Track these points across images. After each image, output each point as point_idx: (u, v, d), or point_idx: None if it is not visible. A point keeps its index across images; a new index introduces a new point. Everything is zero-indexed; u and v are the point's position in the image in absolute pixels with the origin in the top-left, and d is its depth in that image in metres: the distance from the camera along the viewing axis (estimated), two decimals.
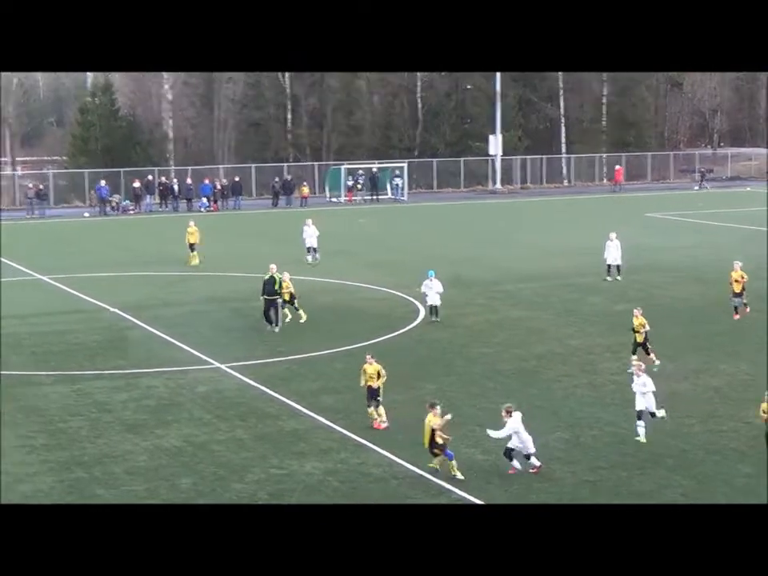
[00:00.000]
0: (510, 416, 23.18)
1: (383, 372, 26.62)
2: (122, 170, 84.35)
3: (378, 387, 26.50)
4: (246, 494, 22.21)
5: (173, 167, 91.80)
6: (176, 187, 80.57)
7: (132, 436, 26.01)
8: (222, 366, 32.22)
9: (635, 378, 25.65)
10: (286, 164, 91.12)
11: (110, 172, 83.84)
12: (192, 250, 51.05)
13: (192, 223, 51.31)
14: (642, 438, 24.98)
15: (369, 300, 42.64)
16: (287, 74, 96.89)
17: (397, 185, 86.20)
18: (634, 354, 30.39)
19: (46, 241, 64.21)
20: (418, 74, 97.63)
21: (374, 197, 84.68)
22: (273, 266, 37.16)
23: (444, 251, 55.48)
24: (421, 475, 23.15)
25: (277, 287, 36.43)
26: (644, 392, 25.25)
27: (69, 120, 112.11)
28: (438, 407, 23.26)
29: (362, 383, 26.81)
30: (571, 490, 22.34)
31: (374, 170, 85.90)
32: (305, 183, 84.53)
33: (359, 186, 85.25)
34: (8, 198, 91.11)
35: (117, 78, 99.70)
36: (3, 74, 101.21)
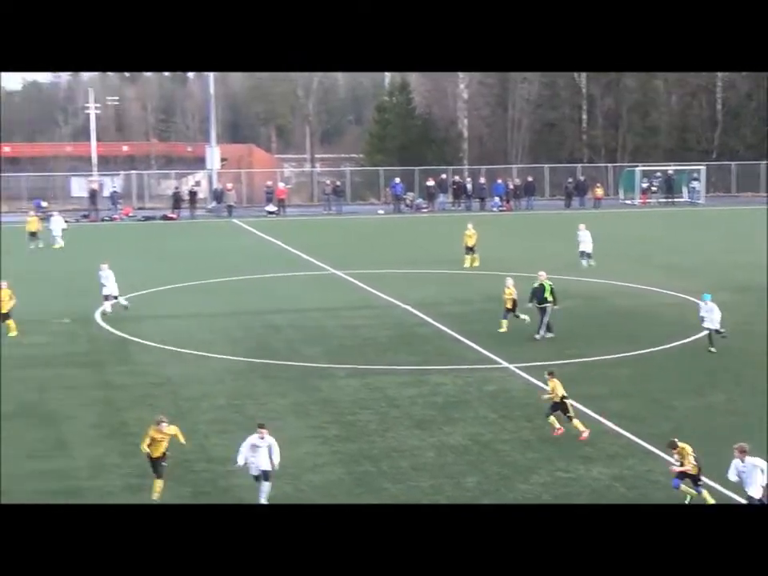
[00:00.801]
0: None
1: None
2: (416, 168, 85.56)
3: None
4: (531, 495, 22.08)
5: (466, 166, 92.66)
6: (469, 186, 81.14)
7: (419, 432, 26.29)
8: (511, 366, 32.20)
9: None
10: (579, 165, 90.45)
11: (404, 170, 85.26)
12: (469, 253, 50.64)
13: (470, 226, 50.92)
14: None
15: (660, 305, 41.78)
16: (584, 74, 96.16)
17: (693, 188, 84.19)
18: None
19: (340, 236, 65.81)
20: (719, 74, 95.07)
21: (669, 200, 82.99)
22: (542, 273, 36.12)
23: (739, 257, 53.78)
24: (711, 486, 22.48)
25: (547, 295, 35.44)
26: None
27: (366, 118, 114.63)
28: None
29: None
30: None
31: (670, 172, 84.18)
32: (598, 184, 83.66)
33: (654, 189, 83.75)
34: (306, 193, 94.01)
35: (413, 78, 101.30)
36: (305, 74, 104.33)
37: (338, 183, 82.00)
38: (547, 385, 26.15)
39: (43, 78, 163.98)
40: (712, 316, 33.60)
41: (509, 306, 36.17)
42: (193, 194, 77.80)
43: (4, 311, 36.41)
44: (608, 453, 24.72)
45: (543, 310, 35.49)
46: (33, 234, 58.76)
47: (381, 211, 79.21)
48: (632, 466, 23.75)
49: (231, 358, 30.07)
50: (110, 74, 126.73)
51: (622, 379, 30.91)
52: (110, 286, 39.06)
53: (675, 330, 36.66)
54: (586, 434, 25.30)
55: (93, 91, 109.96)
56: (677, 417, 27.28)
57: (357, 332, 37.08)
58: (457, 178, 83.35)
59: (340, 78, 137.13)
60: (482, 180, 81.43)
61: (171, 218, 75.57)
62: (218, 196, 78.58)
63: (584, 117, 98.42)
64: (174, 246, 60.71)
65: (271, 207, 77.85)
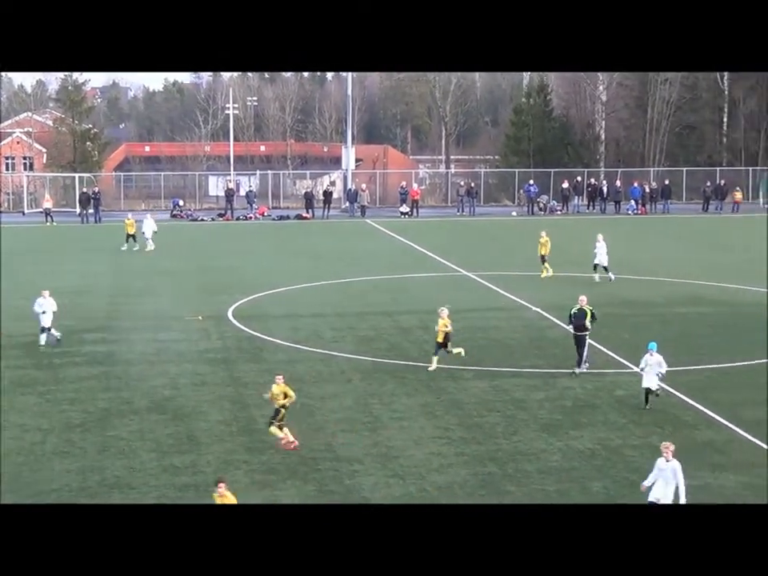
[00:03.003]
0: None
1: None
2: (552, 170, 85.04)
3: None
4: None
5: (602, 169, 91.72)
6: (605, 189, 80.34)
7: (546, 435, 26.08)
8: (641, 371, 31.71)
9: None
10: (718, 168, 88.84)
11: (540, 172, 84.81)
12: (543, 262, 48.50)
13: (544, 233, 49.00)
14: None
15: None
16: (726, 76, 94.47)
17: None
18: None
19: (474, 238, 65.68)
20: None
21: None
22: (583, 298, 31.92)
23: None
24: None
25: (588, 321, 31.30)
26: None
27: (503, 120, 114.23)
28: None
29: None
30: None
31: None
32: (737, 188, 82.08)
33: None
34: (440, 195, 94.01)
35: (552, 79, 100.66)
36: (443, 75, 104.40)
37: (472, 184, 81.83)
38: None
39: (184, 77, 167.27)
40: (655, 369, 28.00)
41: (440, 339, 31.60)
42: (327, 193, 78.37)
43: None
44: (738, 461, 24.22)
45: (582, 340, 31.48)
46: (131, 237, 57.53)
47: (514, 213, 78.89)
48: (763, 474, 23.21)
49: (360, 357, 30.21)
50: (249, 74, 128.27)
51: (756, 387, 30.25)
52: (49, 315, 35.07)
53: None
54: None
55: (232, 91, 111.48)
56: None
57: (486, 333, 36.93)
58: (592, 180, 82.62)
59: (477, 79, 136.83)
60: (618, 183, 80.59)
61: (305, 218, 76.23)
62: (352, 196, 79.06)
63: (725, 119, 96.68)
64: (307, 246, 61.22)
65: (405, 208, 78.05)
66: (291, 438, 24.84)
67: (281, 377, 25.20)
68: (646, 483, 20.29)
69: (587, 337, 31.46)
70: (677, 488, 19.94)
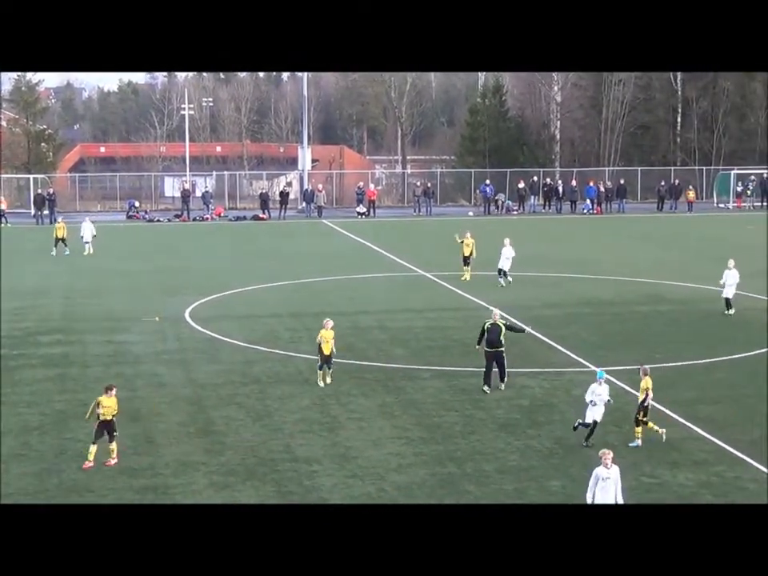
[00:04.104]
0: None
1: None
2: (507, 170, 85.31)
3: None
4: None
5: (558, 168, 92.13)
6: (560, 189, 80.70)
7: (504, 435, 26.15)
8: (598, 370, 31.83)
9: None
10: (672, 168, 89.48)
11: (496, 172, 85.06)
12: (466, 264, 47.71)
13: (469, 235, 48.54)
14: None
15: (755, 310, 41.14)
16: (679, 76, 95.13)
17: None
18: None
19: (431, 238, 65.76)
20: None
21: (765, 203, 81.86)
22: (496, 312, 30.39)
23: None
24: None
25: (502, 337, 29.46)
26: None
27: (459, 120, 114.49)
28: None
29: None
30: None
31: (765, 175, 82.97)
32: (691, 188, 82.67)
33: (749, 192, 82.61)
34: (396, 195, 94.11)
35: (507, 80, 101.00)
36: (398, 75, 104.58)
37: (429, 185, 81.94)
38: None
39: (139, 78, 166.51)
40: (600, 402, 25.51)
41: (326, 352, 30.12)
42: (284, 194, 78.22)
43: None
44: (695, 459, 24.39)
45: (499, 357, 29.55)
46: (61, 240, 55.86)
47: (470, 213, 79.05)
48: (720, 473, 23.40)
49: (317, 358, 30.15)
50: (204, 74, 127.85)
51: (712, 384, 30.50)
52: None
53: None
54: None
55: (188, 92, 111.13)
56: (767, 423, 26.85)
57: (443, 333, 36.99)
58: (548, 180, 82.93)
59: (433, 79, 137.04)
60: (574, 183, 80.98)
61: (261, 219, 76.07)
62: (308, 197, 78.96)
63: (678, 119, 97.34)
64: (264, 246, 61.10)
65: (361, 208, 78.05)
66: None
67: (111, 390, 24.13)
68: (589, 500, 19.64)
69: (503, 353, 29.54)
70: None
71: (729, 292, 39.74)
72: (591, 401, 25.19)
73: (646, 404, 25.37)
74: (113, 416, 23.85)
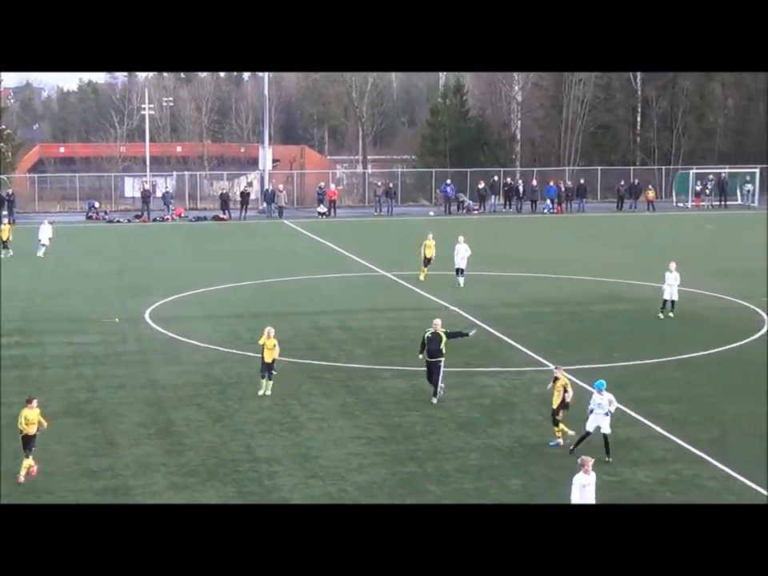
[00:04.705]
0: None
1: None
2: (468, 170, 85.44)
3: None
4: None
5: (518, 168, 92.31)
6: (521, 188, 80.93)
7: (465, 434, 26.24)
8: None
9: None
10: (632, 167, 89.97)
11: (456, 172, 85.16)
12: (426, 264, 47.63)
13: (431, 235, 48.58)
14: None
15: (712, 309, 41.47)
16: (639, 76, 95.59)
17: (748, 191, 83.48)
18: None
19: (392, 238, 65.82)
20: None
21: (723, 203, 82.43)
22: (437, 321, 29.42)
23: None
24: (759, 493, 22.29)
25: (442, 347, 28.77)
26: None
27: (419, 120, 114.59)
28: None
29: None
30: None
31: (723, 175, 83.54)
32: (650, 187, 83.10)
33: (707, 191, 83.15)
34: (357, 195, 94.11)
35: (468, 80, 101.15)
36: (359, 75, 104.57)
37: (390, 185, 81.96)
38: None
39: (99, 78, 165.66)
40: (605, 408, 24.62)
41: (268, 360, 29.43)
42: (244, 194, 78.03)
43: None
44: (654, 457, 24.57)
45: (436, 367, 28.77)
46: (3, 243, 54.95)
47: (431, 213, 79.13)
48: (679, 471, 23.58)
49: (278, 358, 30.13)
50: (165, 74, 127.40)
51: (671, 383, 30.71)
52: None
53: (726, 334, 36.38)
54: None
55: (148, 92, 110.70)
56: (725, 422, 27.11)
57: (404, 333, 37.02)
58: (509, 180, 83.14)
59: (394, 79, 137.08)
60: (534, 182, 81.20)
61: (222, 219, 75.86)
62: (269, 197, 78.78)
63: (638, 119, 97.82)
64: (224, 247, 60.92)
65: (322, 208, 77.97)
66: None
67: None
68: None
69: (442, 363, 28.80)
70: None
71: (671, 293, 39.28)
72: (592, 409, 24.47)
73: (566, 401, 25.24)
74: (37, 430, 22.92)
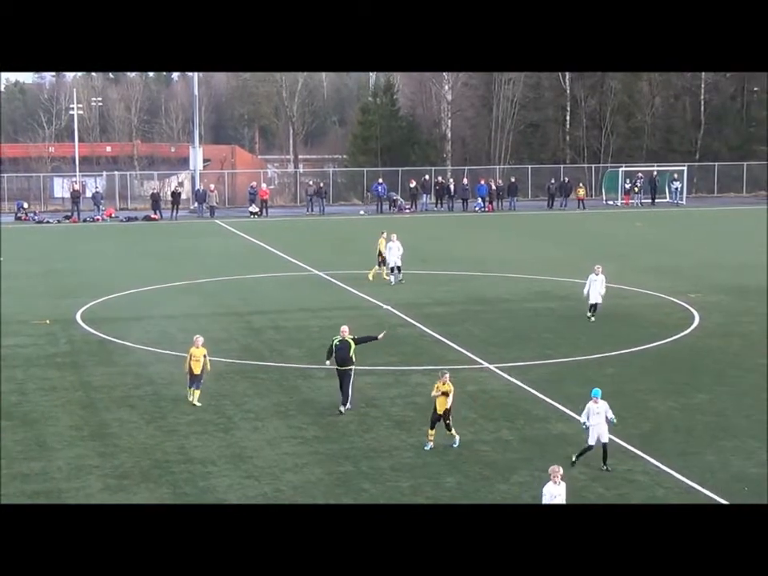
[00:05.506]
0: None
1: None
2: (399, 169, 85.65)
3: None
4: (510, 496, 22.12)
5: (449, 167, 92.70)
6: (452, 187, 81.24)
7: (399, 432, 26.30)
8: (491, 366, 32.22)
9: None
10: (562, 165, 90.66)
11: (388, 171, 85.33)
12: (380, 265, 47.63)
13: (385, 234, 48.35)
14: None
15: (643, 305, 41.89)
16: (567, 76, 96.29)
17: (676, 188, 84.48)
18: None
19: (324, 237, 65.80)
20: (702, 75, 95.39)
21: (652, 200, 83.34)
22: (345, 329, 28.57)
23: (721, 258, 54.04)
24: (690, 486, 22.56)
25: (351, 354, 28.03)
26: None
27: (350, 119, 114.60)
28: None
29: None
30: None
31: (654, 173, 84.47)
32: (581, 185, 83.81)
33: (636, 189, 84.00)
34: (289, 194, 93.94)
35: (398, 79, 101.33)
36: (289, 75, 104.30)
37: (321, 184, 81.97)
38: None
39: (26, 78, 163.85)
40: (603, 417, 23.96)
41: (197, 371, 28.30)
42: (175, 194, 77.62)
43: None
44: (589, 453, 24.70)
45: (346, 375, 27.99)
46: None
47: (362, 212, 79.20)
48: (611, 466, 23.75)
49: (212, 358, 29.99)
50: (93, 74, 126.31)
51: (603, 379, 30.94)
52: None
53: (656, 331, 36.78)
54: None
55: (76, 92, 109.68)
56: (657, 417, 27.40)
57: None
58: (440, 178, 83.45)
59: (324, 78, 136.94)
60: (465, 181, 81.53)
61: (153, 219, 75.42)
62: (200, 197, 78.45)
63: (568, 118, 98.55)
64: (156, 247, 60.58)
65: (254, 208, 77.77)
66: None
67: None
68: None
69: (352, 372, 28.11)
70: None
71: (595, 297, 38.63)
72: (584, 423, 23.85)
73: (449, 407, 25.07)
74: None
